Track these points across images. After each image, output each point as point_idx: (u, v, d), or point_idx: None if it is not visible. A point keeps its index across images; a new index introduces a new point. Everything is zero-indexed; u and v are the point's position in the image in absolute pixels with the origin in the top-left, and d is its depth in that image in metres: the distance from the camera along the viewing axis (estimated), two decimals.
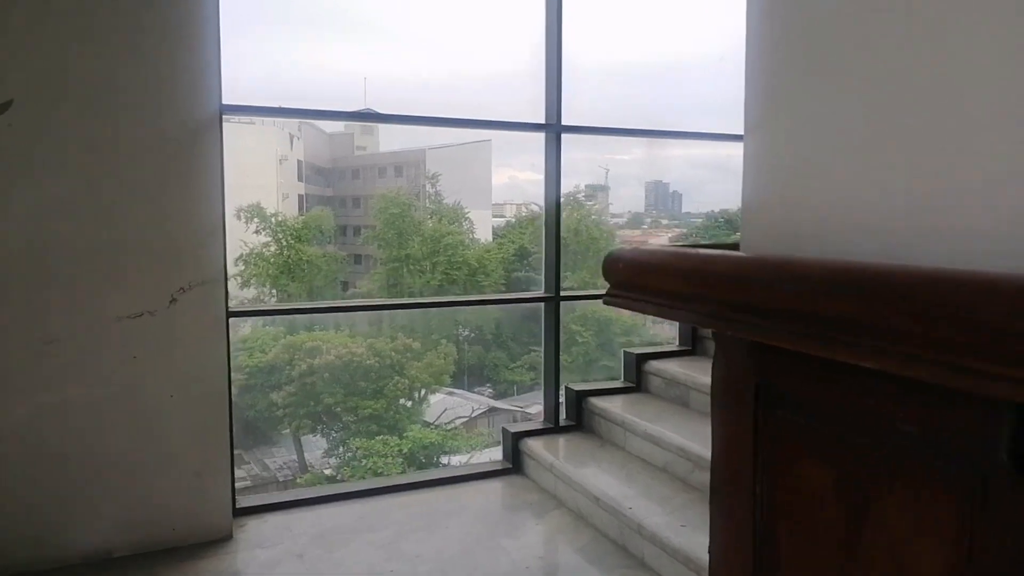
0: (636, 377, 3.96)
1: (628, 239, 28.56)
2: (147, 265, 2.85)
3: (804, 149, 1.12)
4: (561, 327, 3.80)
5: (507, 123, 3.85)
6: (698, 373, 3.70)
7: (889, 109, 0.96)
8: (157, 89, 2.81)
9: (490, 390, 22.25)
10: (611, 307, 1.23)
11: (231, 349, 3.04)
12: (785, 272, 0.90)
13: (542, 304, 3.75)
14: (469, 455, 15.39)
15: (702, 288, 1.07)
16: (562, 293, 3.76)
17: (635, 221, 32.22)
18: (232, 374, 3.10)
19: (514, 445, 3.70)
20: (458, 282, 21.11)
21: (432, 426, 17.19)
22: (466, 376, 21.95)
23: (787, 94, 1.15)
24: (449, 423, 17.96)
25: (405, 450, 14.86)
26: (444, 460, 15.36)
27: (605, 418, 3.66)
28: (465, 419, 18.54)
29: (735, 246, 1.27)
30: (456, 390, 20.26)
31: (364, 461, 14.93)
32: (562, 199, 3.64)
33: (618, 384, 3.96)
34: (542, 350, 3.80)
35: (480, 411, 19.02)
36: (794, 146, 1.14)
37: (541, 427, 3.77)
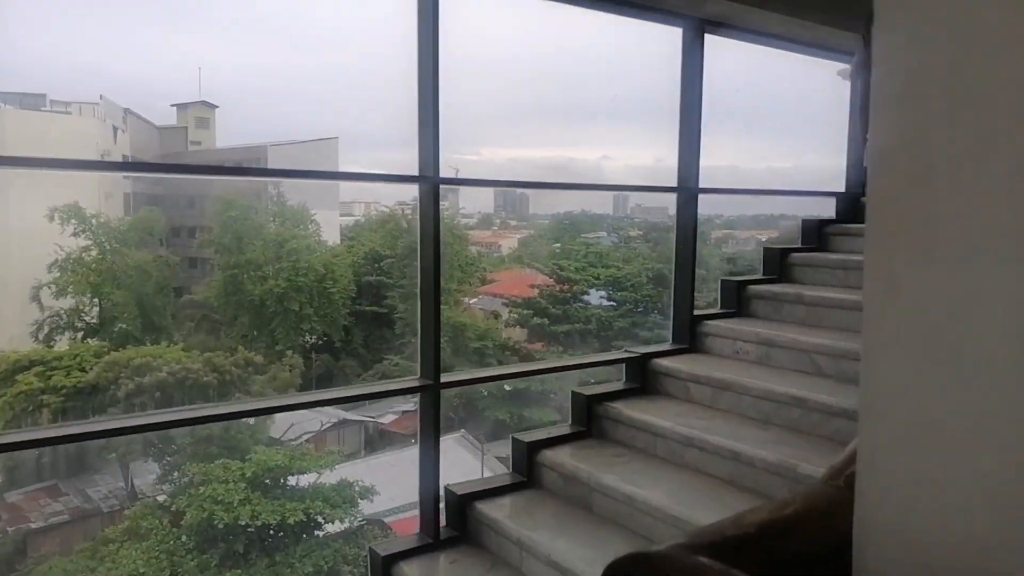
0: (527, 469, 3.38)
1: (479, 240, 28.35)
2: None
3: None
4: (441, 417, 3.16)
5: (380, 175, 3.17)
6: (599, 468, 3.17)
7: None
8: None
9: None
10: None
11: None
12: None
13: (418, 394, 3.08)
14: (318, 476, 14.44)
15: None
16: (442, 379, 3.12)
17: (485, 222, 32.18)
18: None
19: (385, 572, 3.02)
20: (304, 289, 19.97)
21: (278, 444, 16.08)
22: (314, 387, 20.94)
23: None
24: (296, 439, 16.93)
25: (248, 474, 13.70)
26: (292, 481, 14.30)
27: (495, 531, 3.06)
28: (314, 434, 17.56)
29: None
30: None
31: (202, 488, 13.60)
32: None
33: (507, 479, 3.37)
34: (418, 445, 3.14)
35: (329, 424, 18.08)
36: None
37: (417, 543, 3.10)
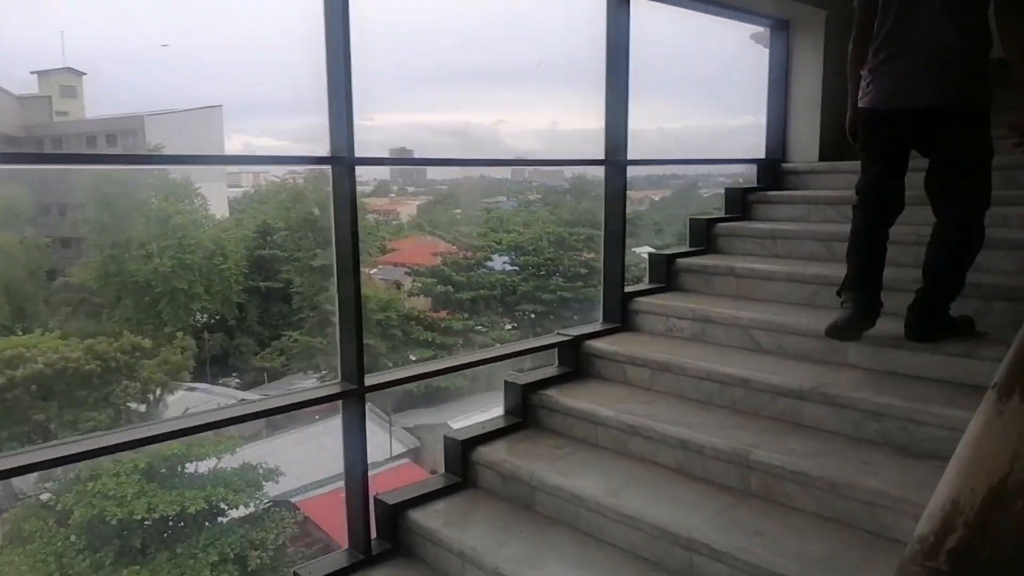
0: (463, 469, 3.15)
1: (377, 208, 27.62)
2: None
3: None
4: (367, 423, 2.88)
5: (289, 158, 2.81)
6: (539, 464, 2.96)
7: None
8: None
9: (237, 380, 20.55)
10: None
11: None
12: None
13: (340, 401, 2.77)
14: (218, 461, 13.79)
15: None
16: (367, 382, 2.83)
17: (382, 189, 31.39)
18: None
19: None
20: (192, 267, 18.94)
21: None
22: (208, 367, 20.06)
23: None
24: None
25: (142, 465, 12.90)
26: (191, 469, 13.60)
27: (432, 541, 2.82)
28: None
29: None
30: (198, 384, 18.38)
31: (91, 484, 12.73)
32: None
33: (441, 482, 3.12)
34: (343, 458, 2.84)
35: (228, 406, 17.30)
36: None
37: (347, 562, 2.80)
